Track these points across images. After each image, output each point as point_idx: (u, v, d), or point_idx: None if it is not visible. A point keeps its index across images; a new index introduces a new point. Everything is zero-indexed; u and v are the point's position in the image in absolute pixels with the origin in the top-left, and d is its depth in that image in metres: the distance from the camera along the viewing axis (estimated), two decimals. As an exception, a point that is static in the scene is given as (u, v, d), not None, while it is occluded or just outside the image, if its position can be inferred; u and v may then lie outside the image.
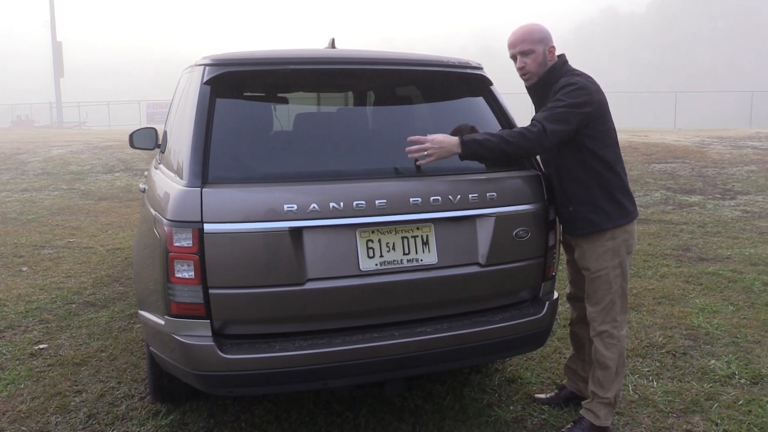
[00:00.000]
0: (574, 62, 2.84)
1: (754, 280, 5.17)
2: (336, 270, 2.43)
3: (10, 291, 5.06)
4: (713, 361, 3.64)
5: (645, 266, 5.65)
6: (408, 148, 2.54)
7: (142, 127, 4.34)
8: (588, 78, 2.73)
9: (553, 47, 2.76)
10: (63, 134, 22.04)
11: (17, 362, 3.70)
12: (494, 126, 2.86)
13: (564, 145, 2.70)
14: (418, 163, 2.56)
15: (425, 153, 2.52)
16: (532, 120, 2.65)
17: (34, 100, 42.62)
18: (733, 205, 8.45)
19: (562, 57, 2.79)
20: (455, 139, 2.55)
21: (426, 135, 2.56)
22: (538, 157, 2.92)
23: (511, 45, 2.78)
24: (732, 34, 68.95)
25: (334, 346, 2.41)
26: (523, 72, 2.78)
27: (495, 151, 2.57)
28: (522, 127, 2.63)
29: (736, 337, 3.99)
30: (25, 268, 5.78)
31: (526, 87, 2.85)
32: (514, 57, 2.79)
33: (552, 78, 2.74)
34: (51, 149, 15.03)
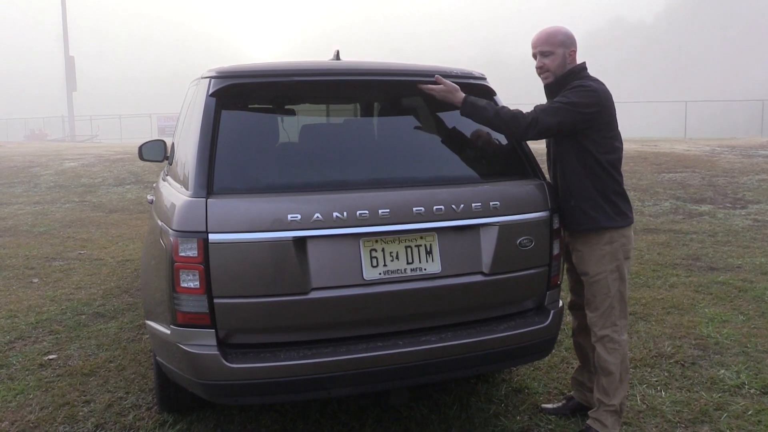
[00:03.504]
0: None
1: (764, 289, 5.13)
2: (340, 279, 2.44)
3: (21, 302, 5.11)
4: (723, 371, 3.61)
5: (654, 276, 5.61)
6: (421, 86, 2.77)
7: (151, 139, 4.38)
8: (601, 84, 2.79)
9: (575, 51, 2.85)
10: (75, 147, 22.27)
11: (27, 372, 3.73)
12: (497, 135, 2.89)
13: (567, 143, 2.78)
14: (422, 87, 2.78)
15: (432, 87, 2.75)
16: (533, 109, 2.74)
17: (46, 114, 43.19)
18: (743, 215, 8.39)
19: (582, 63, 2.88)
20: (461, 95, 2.74)
21: (430, 144, 2.59)
22: (543, 163, 2.94)
23: (533, 45, 2.89)
24: (742, 43, 68.72)
25: (339, 355, 2.42)
26: (541, 71, 2.89)
27: (485, 120, 2.75)
28: (519, 111, 2.75)
29: (746, 347, 3.95)
30: (36, 280, 5.84)
31: (544, 85, 2.94)
32: (535, 56, 2.90)
33: (568, 79, 2.82)
34: (63, 162, 15.20)
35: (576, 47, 2.85)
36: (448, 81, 2.76)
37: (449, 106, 2.82)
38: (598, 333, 2.82)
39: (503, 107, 2.76)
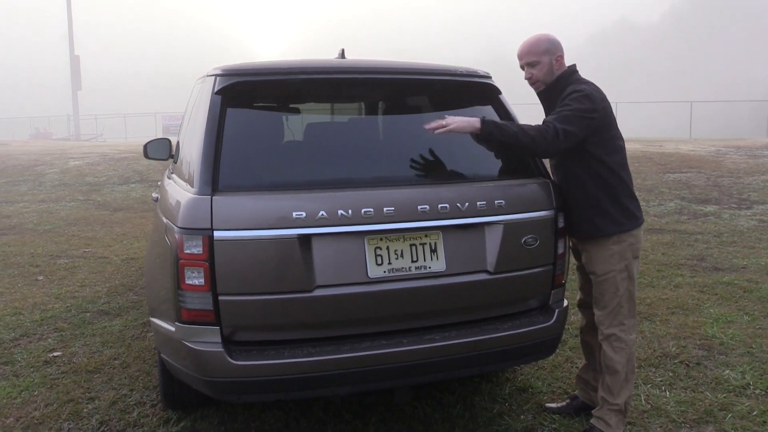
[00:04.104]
0: (587, 72, 2.92)
1: (770, 289, 5.11)
2: (344, 277, 2.44)
3: (26, 300, 5.12)
4: (727, 372, 3.60)
5: (659, 276, 5.60)
6: (428, 125, 2.58)
7: (156, 138, 4.39)
8: (594, 86, 2.79)
9: (561, 56, 2.85)
10: (80, 146, 22.31)
11: (32, 369, 3.74)
12: None
13: (570, 151, 2.74)
14: (435, 132, 2.58)
15: (443, 123, 2.57)
16: (544, 122, 2.70)
17: (52, 113, 43.26)
18: (749, 215, 8.36)
19: (572, 66, 2.87)
20: (476, 118, 2.61)
21: (434, 142, 2.59)
22: (547, 164, 2.94)
23: (519, 57, 2.89)
24: (748, 43, 68.49)
25: (343, 353, 2.42)
26: (531, 81, 2.89)
27: (510, 138, 2.60)
28: (540, 126, 2.67)
29: (752, 348, 3.94)
30: (41, 278, 5.86)
31: (537, 93, 2.93)
32: (522, 67, 2.90)
33: (560, 85, 2.82)
34: (68, 161, 15.24)
35: (562, 52, 2.85)
36: (452, 116, 2.61)
37: (455, 105, 2.81)
38: (605, 332, 2.82)
39: (520, 123, 2.67)
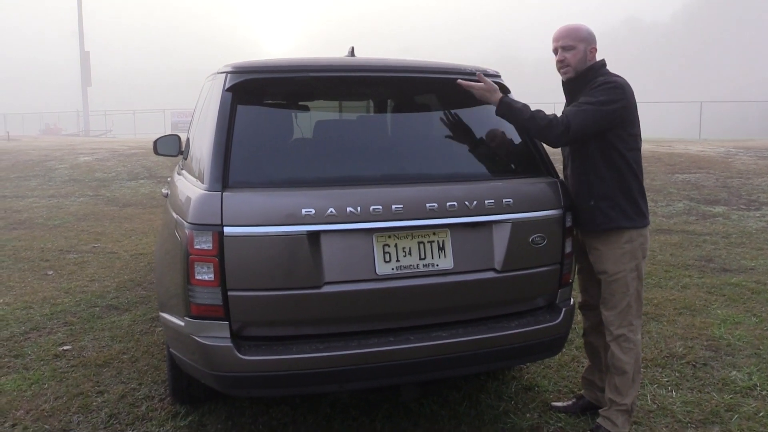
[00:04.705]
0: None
1: (778, 291, 5.09)
2: (353, 274, 2.46)
3: (36, 294, 5.17)
4: (734, 373, 3.59)
5: (667, 276, 5.59)
6: (460, 81, 2.76)
7: (166, 134, 4.42)
8: (623, 79, 2.80)
9: (595, 48, 2.85)
10: (89, 142, 22.45)
11: (41, 363, 3.78)
12: (512, 133, 2.89)
13: (593, 141, 2.75)
14: (463, 86, 2.75)
15: (473, 83, 2.74)
16: (563, 112, 2.73)
17: (61, 109, 43.57)
18: (758, 216, 8.32)
19: (602, 60, 2.87)
20: (498, 95, 2.75)
21: (443, 140, 2.60)
22: (558, 158, 2.94)
23: (555, 39, 2.87)
24: (758, 43, 68.01)
25: (350, 349, 2.44)
26: (562, 65, 2.87)
27: (520, 122, 2.75)
28: (554, 116, 2.71)
29: (759, 349, 3.93)
30: (50, 272, 5.91)
31: (563, 81, 2.92)
32: (555, 50, 2.88)
33: (589, 76, 2.81)
34: (78, 157, 15.33)
35: (596, 45, 2.85)
36: (489, 80, 2.77)
37: (464, 103, 2.82)
38: (615, 332, 2.82)
39: (538, 111, 2.72)
